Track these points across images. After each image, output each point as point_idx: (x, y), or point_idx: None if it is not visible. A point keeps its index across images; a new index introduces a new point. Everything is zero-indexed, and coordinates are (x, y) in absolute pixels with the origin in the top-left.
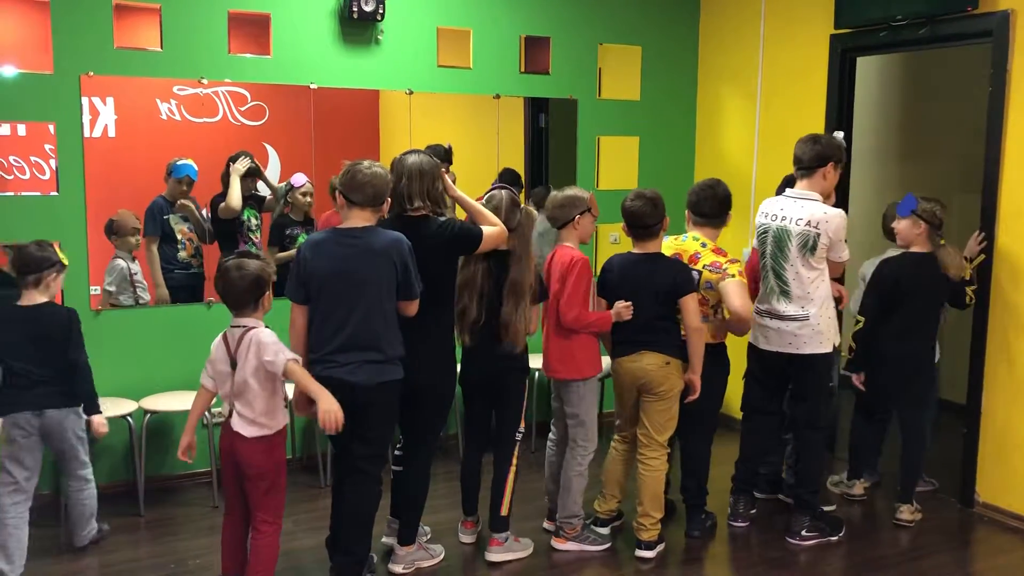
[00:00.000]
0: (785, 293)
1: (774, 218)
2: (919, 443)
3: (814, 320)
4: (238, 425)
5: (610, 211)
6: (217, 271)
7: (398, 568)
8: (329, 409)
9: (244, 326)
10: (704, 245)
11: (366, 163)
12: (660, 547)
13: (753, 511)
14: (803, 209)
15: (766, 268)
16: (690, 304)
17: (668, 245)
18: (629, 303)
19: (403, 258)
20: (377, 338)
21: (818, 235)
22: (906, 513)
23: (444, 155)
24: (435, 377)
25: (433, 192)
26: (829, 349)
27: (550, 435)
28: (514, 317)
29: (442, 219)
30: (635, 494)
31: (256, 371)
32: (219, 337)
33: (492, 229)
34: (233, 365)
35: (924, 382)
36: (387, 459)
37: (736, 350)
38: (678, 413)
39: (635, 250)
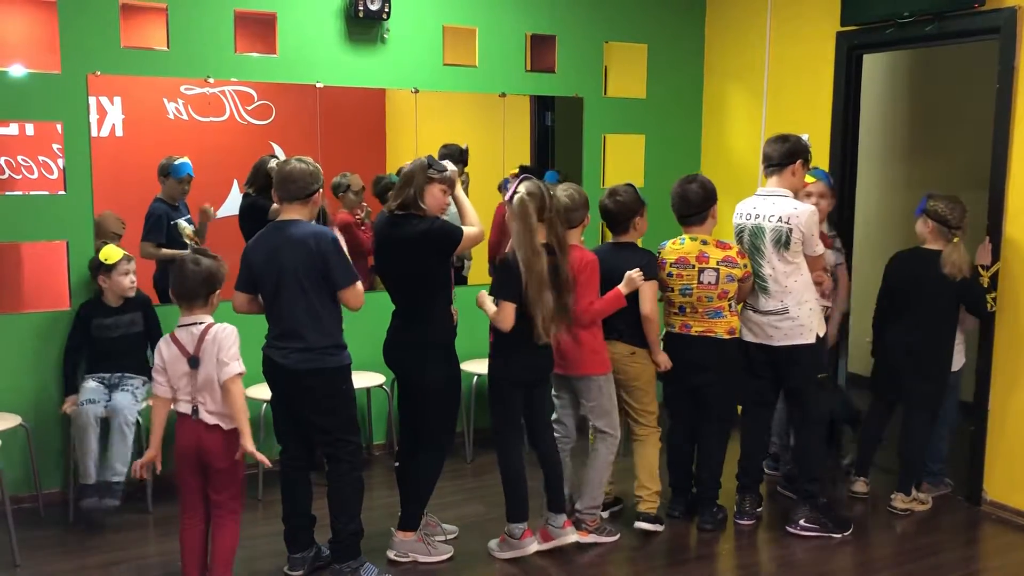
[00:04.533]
0: (763, 289)
1: (748, 217)
2: (918, 439)
3: (793, 312)
4: (211, 419)
5: None
6: (171, 268)
7: (391, 553)
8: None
9: (200, 322)
10: (705, 243)
11: (294, 159)
12: (659, 527)
13: (759, 509)
14: (774, 206)
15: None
16: (647, 291)
17: (670, 251)
18: (639, 270)
19: (322, 248)
20: (300, 326)
21: (790, 230)
22: (899, 501)
23: (459, 156)
24: (422, 371)
25: (403, 196)
26: (812, 340)
27: (556, 431)
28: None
29: (422, 219)
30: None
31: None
32: (165, 341)
33: (472, 230)
34: (193, 363)
35: (931, 378)
36: (354, 443)
37: None
38: (655, 396)
39: (611, 241)
